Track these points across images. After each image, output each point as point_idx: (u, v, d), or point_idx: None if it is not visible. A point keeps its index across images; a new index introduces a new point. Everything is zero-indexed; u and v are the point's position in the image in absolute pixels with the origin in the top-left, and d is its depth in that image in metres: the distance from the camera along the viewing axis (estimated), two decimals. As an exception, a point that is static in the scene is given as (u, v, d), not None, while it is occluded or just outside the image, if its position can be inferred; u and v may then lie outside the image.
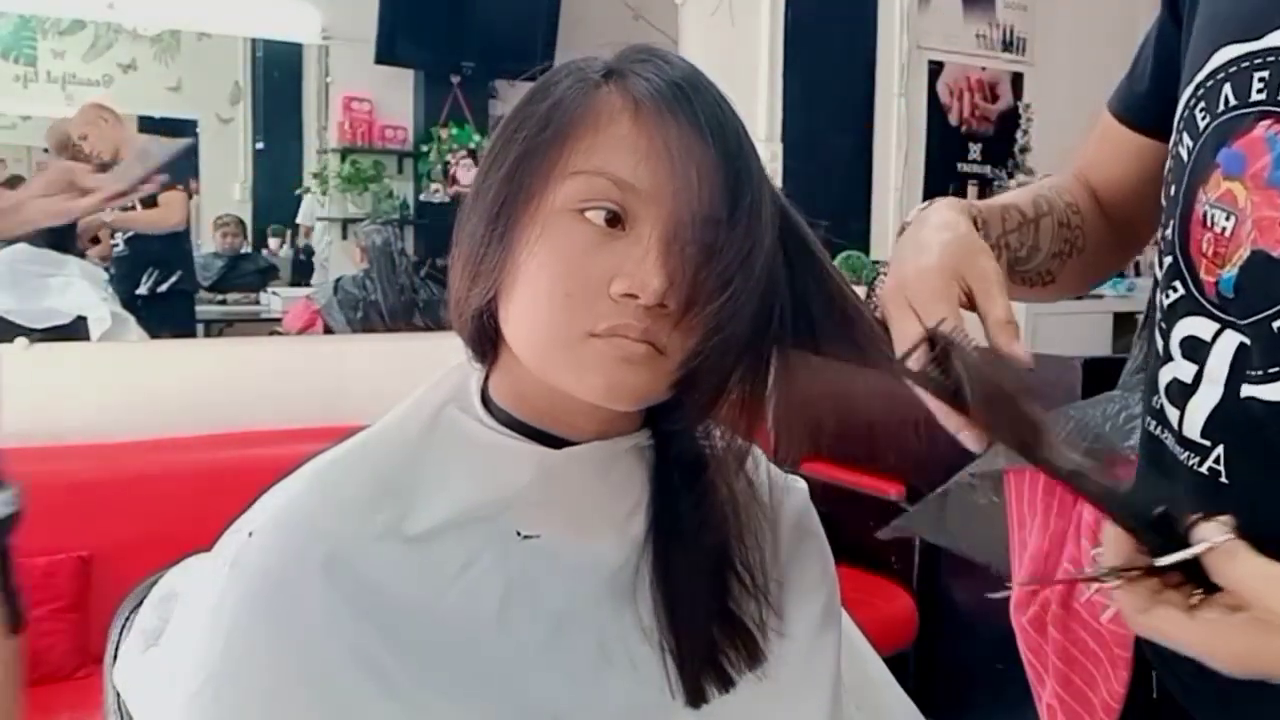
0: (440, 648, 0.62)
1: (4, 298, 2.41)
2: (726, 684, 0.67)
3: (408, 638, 0.62)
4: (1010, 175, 3.28)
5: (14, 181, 2.83)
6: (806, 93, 2.99)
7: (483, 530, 0.65)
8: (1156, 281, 0.77)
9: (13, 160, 2.95)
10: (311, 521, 0.64)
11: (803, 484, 0.79)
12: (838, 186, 3.07)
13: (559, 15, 3.05)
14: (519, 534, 0.66)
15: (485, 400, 0.70)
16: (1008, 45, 3.42)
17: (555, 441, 0.68)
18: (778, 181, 2.84)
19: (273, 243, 3.42)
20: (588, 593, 0.66)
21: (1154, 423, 0.76)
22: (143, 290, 2.73)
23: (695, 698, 0.66)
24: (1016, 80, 3.44)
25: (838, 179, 3.08)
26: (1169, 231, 0.74)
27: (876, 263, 3.06)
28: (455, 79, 3.21)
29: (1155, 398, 0.75)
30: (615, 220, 0.62)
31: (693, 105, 0.63)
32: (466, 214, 0.67)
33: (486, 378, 0.71)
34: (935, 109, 3.29)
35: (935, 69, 3.30)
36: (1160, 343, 0.74)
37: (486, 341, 0.69)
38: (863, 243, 3.12)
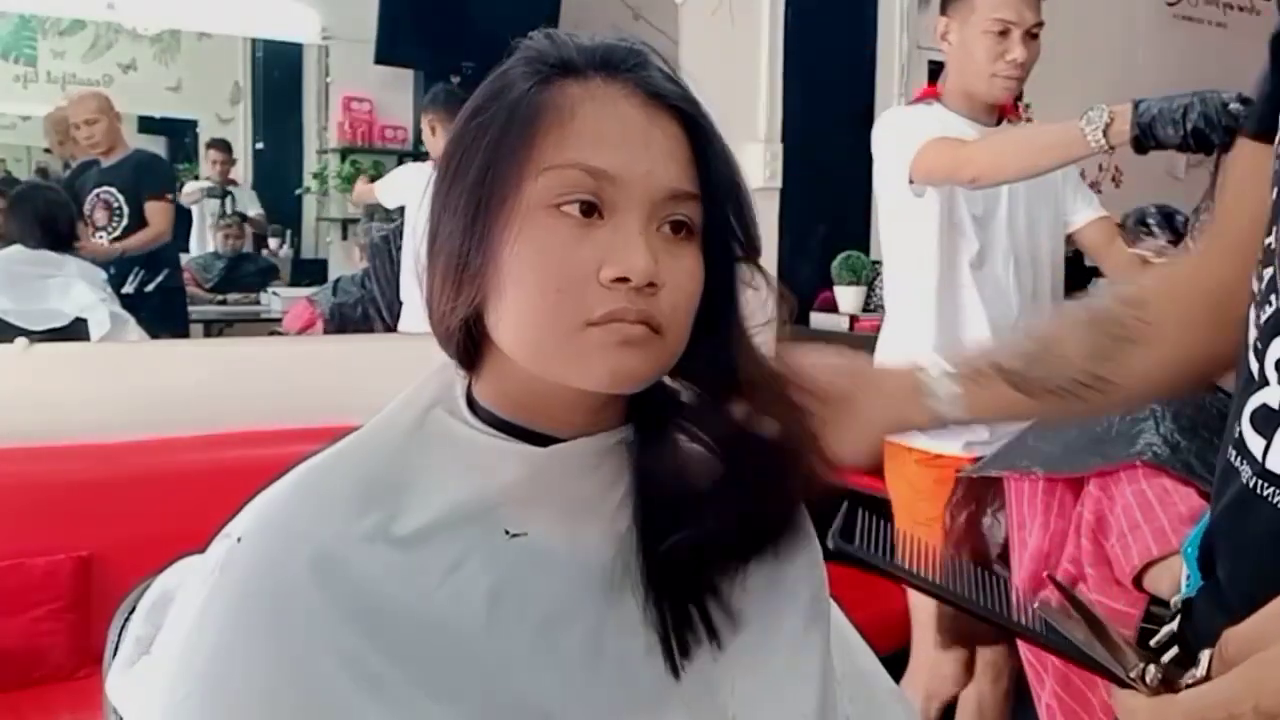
0: (430, 649, 0.62)
1: (3, 299, 2.41)
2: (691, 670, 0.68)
3: (397, 640, 0.62)
4: (1010, 175, 3.27)
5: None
6: (806, 93, 2.99)
7: (471, 530, 0.66)
8: (1254, 299, 0.70)
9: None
10: (299, 525, 0.64)
11: None
12: (837, 186, 3.06)
13: (559, 15, 3.05)
14: (507, 533, 0.66)
15: (470, 402, 0.70)
16: (1008, 45, 3.42)
17: (541, 440, 0.68)
18: (776, 182, 2.79)
19: (272, 243, 3.42)
20: (577, 589, 0.67)
21: (1234, 454, 0.70)
22: (129, 289, 2.73)
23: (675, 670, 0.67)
24: (1016, 80, 3.43)
25: (838, 179, 3.07)
26: (1271, 239, 0.68)
27: (876, 263, 3.06)
28: (455, 79, 3.21)
29: (1238, 427, 0.69)
30: (592, 209, 0.63)
31: (651, 84, 0.65)
32: (435, 225, 0.67)
33: (470, 381, 0.71)
34: (935, 109, 3.29)
35: (935, 69, 3.29)
36: (1255, 366, 0.68)
37: (471, 347, 0.69)
38: (863, 243, 3.12)
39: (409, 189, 3.06)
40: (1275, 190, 0.69)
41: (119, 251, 2.76)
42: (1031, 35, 1.97)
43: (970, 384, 0.79)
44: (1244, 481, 0.68)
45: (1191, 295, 0.80)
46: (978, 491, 1.79)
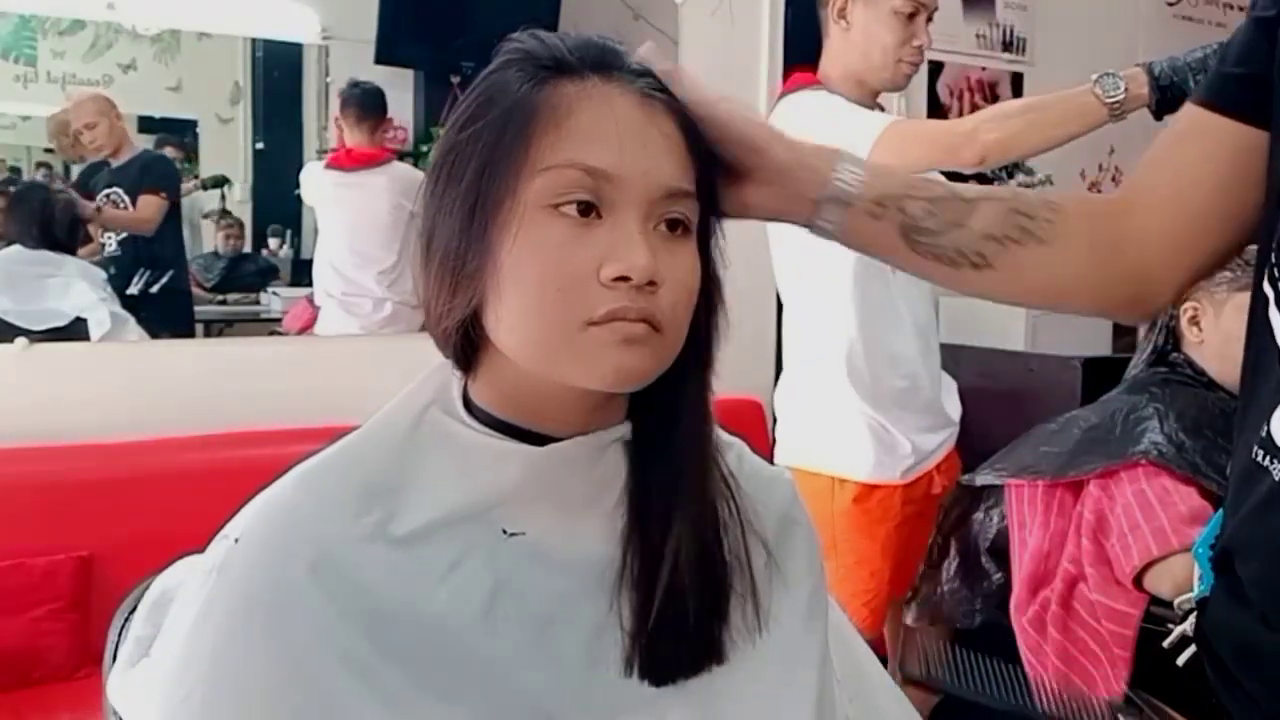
0: (429, 649, 0.62)
1: (3, 299, 2.41)
2: (695, 671, 0.67)
3: (396, 640, 0.62)
4: (1010, 175, 3.28)
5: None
6: (806, 93, 2.99)
7: (470, 530, 0.66)
8: (1272, 301, 0.70)
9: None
10: (298, 526, 0.64)
11: (789, 474, 0.80)
12: (838, 186, 3.06)
13: (559, 15, 3.05)
14: (505, 532, 0.66)
15: (467, 403, 0.70)
16: (1008, 45, 3.42)
17: (538, 439, 0.68)
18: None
19: (272, 243, 3.41)
20: (576, 588, 0.67)
21: (1261, 453, 0.70)
22: (134, 290, 2.73)
23: (660, 682, 0.67)
24: (1016, 80, 3.43)
25: (838, 179, 3.08)
26: None
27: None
28: (455, 79, 3.21)
29: (1265, 426, 0.70)
30: (590, 208, 0.63)
31: (646, 83, 0.65)
32: (430, 228, 0.67)
33: (467, 381, 0.71)
34: (935, 109, 3.28)
35: (935, 69, 3.30)
36: None
37: (469, 348, 0.69)
38: (863, 243, 3.12)
39: (312, 189, 3.06)
40: None
41: (100, 220, 2.76)
42: (929, 20, 1.84)
43: (861, 210, 0.76)
44: (1275, 479, 0.68)
45: (1104, 229, 0.80)
46: (974, 489, 1.79)
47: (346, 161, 2.98)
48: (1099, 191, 3.58)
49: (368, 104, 3.03)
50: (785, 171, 0.75)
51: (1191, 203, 0.78)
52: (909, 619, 1.83)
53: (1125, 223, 0.80)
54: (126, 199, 2.79)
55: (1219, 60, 0.79)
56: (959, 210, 0.77)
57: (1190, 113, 0.79)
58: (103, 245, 2.78)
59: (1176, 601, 0.81)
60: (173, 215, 2.90)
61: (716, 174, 0.69)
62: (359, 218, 2.94)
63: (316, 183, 3.03)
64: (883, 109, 1.93)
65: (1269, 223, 0.70)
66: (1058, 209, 0.80)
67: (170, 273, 2.83)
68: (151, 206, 2.83)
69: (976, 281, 0.79)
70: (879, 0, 1.80)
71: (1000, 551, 1.75)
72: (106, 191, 2.78)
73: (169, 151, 3.12)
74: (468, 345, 0.68)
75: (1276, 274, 0.69)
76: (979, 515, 1.79)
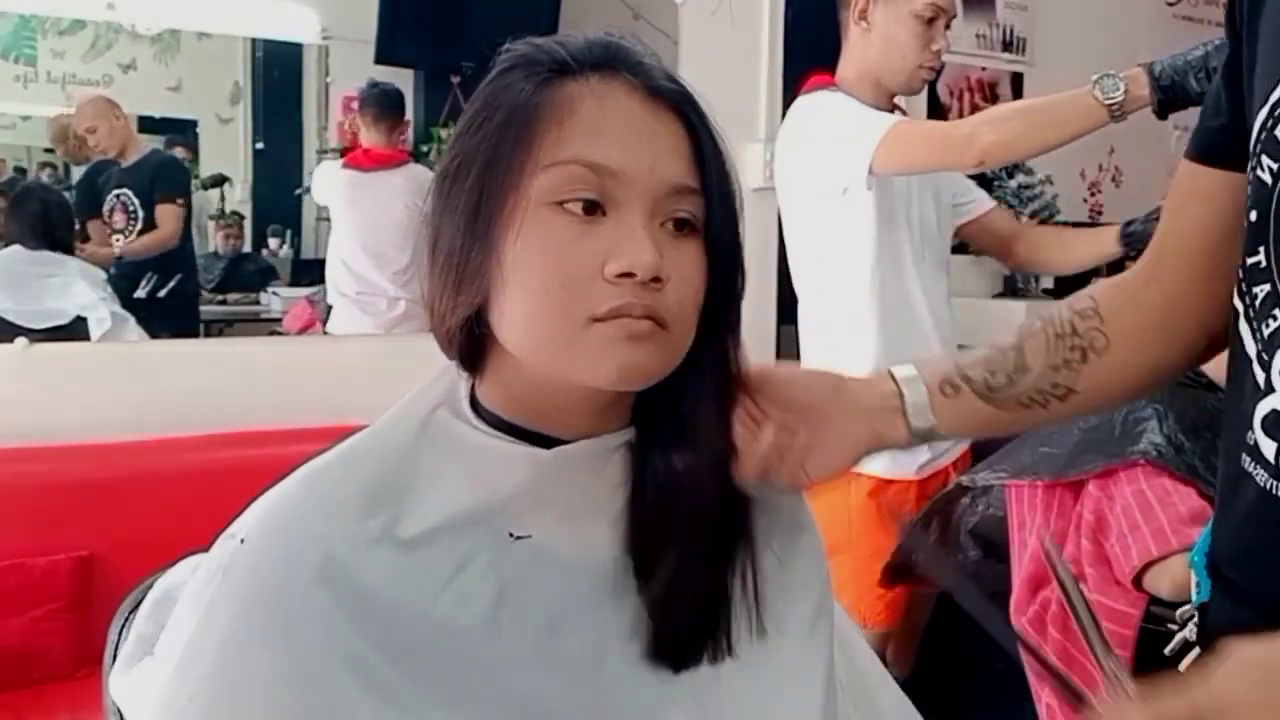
0: (435, 652, 0.62)
1: (3, 298, 2.42)
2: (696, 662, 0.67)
3: (402, 643, 0.62)
4: (1010, 175, 3.28)
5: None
6: (806, 93, 2.99)
7: (476, 533, 0.65)
8: (1241, 315, 0.72)
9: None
10: (304, 527, 0.64)
11: None
12: (838, 186, 3.06)
13: (559, 15, 3.05)
14: (511, 535, 0.66)
15: (474, 404, 0.70)
16: (1008, 45, 3.42)
17: (545, 441, 0.68)
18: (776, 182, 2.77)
19: (272, 243, 3.42)
20: (582, 592, 0.66)
21: (1248, 459, 0.71)
22: (141, 294, 2.73)
23: (674, 667, 0.67)
24: (1016, 80, 3.43)
25: (838, 179, 3.07)
26: (1260, 259, 0.70)
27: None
28: (455, 79, 3.21)
29: (1249, 433, 0.70)
30: (594, 206, 0.62)
31: (652, 80, 0.65)
32: (436, 228, 0.67)
33: (474, 383, 0.71)
34: (935, 109, 3.28)
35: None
36: (1261, 375, 0.70)
37: (474, 349, 0.69)
38: (863, 243, 3.11)
39: (326, 187, 3.05)
40: (1254, 213, 0.70)
41: (118, 254, 2.75)
42: (947, 26, 1.85)
43: (940, 396, 0.80)
44: (1260, 484, 0.69)
45: (1143, 308, 0.83)
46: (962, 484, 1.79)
47: (365, 162, 2.97)
48: (1099, 191, 3.58)
49: (386, 104, 3.03)
50: (851, 416, 0.78)
51: (1201, 259, 0.80)
52: (883, 582, 1.83)
53: (1157, 295, 0.82)
54: (136, 201, 2.78)
55: (1201, 114, 0.81)
56: (1011, 358, 0.81)
57: (1186, 169, 0.81)
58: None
59: (1178, 613, 0.82)
60: (184, 218, 2.90)
61: None
62: (374, 218, 2.93)
63: (331, 182, 3.03)
64: (904, 111, 1.93)
65: (1242, 244, 0.71)
66: (1093, 313, 0.83)
67: (179, 276, 2.83)
68: (170, 218, 2.81)
69: (1069, 411, 0.82)
70: (900, 2, 1.80)
71: (980, 536, 1.76)
72: (116, 192, 2.78)
73: (178, 152, 3.12)
74: (473, 346, 0.68)
75: (1244, 288, 0.71)
76: (965, 501, 1.79)
